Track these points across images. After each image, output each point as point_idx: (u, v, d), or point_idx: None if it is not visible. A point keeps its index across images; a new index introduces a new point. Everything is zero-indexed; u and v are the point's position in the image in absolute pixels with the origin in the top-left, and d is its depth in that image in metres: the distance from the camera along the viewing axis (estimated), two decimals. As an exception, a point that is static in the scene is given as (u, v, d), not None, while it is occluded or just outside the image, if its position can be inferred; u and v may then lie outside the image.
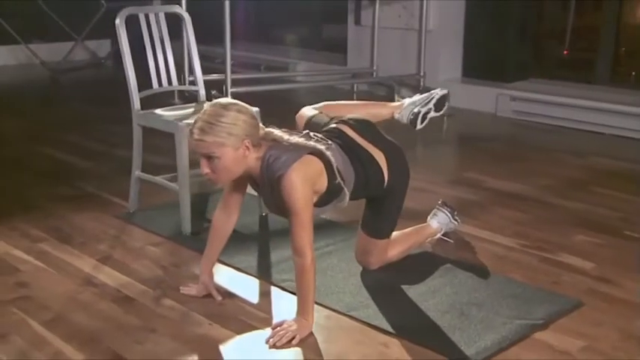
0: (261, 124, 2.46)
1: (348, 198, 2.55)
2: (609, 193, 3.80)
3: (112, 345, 2.36)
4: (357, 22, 6.43)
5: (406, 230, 3.02)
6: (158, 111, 3.43)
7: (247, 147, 2.36)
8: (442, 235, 3.14)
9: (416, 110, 2.93)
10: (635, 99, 5.09)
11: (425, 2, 5.76)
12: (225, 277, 2.82)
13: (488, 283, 2.79)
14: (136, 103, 3.38)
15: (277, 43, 7.67)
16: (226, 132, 2.30)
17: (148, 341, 2.38)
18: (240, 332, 2.44)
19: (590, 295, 2.68)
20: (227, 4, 5.08)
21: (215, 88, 5.48)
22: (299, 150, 2.42)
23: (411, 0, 5.99)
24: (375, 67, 6.20)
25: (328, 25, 7.56)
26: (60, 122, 5.53)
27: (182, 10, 3.57)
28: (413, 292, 2.72)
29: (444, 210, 3.15)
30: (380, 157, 2.67)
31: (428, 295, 2.68)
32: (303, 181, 2.36)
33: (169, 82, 3.53)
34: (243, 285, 2.79)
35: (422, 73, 5.87)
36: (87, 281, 2.83)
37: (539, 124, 5.30)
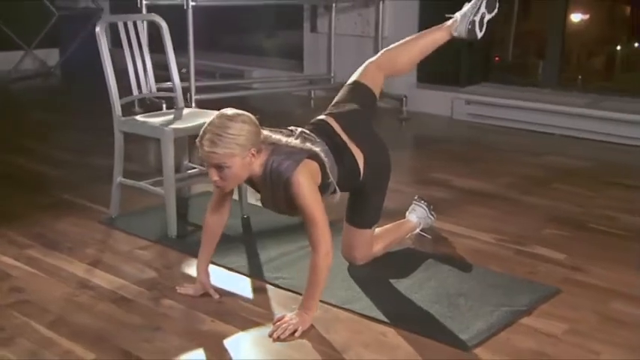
0: None
1: (339, 195, 2.69)
2: (569, 190, 4.02)
3: (121, 343, 2.43)
4: (313, 29, 6.57)
5: (387, 226, 3.16)
6: (139, 117, 3.50)
7: (253, 154, 2.46)
8: (420, 230, 3.28)
9: (471, 20, 2.98)
10: (582, 101, 5.36)
11: (381, 11, 5.94)
12: (219, 277, 2.89)
13: (470, 275, 2.95)
14: (118, 110, 3.43)
15: (230, 50, 7.73)
16: (235, 143, 2.40)
17: (154, 339, 2.46)
18: (243, 327, 2.53)
19: (565, 283, 2.86)
20: (190, 11, 5.14)
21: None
22: (299, 154, 2.53)
23: (366, 8, 6.17)
24: (332, 74, 6.35)
25: (281, 32, 7.67)
26: (19, 131, 5.52)
27: (160, 19, 3.63)
28: (400, 285, 2.86)
29: (420, 204, 3.30)
30: (359, 156, 2.80)
31: (415, 288, 2.82)
32: (309, 182, 2.50)
33: (149, 89, 3.59)
34: (238, 284, 2.88)
35: (379, 79, 6.03)
36: (82, 284, 2.88)
37: (494, 126, 5.51)
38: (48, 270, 3.00)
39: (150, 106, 5.73)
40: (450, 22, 3.07)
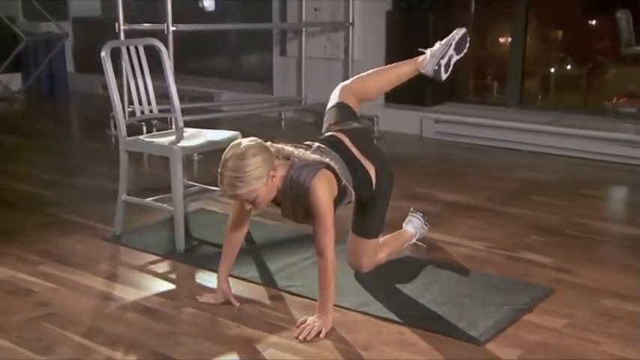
0: (268, 143, 2.74)
1: (354, 196, 2.89)
2: (544, 200, 4.29)
3: (157, 348, 2.57)
4: (283, 53, 6.77)
5: (387, 236, 3.36)
6: (143, 137, 3.63)
7: (273, 176, 2.65)
8: (417, 240, 3.49)
9: (437, 62, 3.16)
10: (545, 119, 5.69)
11: (350, 35, 6.19)
12: (235, 286, 3.03)
13: (469, 279, 3.17)
14: (123, 130, 3.56)
15: (197, 74, 7.87)
16: (253, 178, 2.57)
17: (187, 344, 2.60)
18: (268, 331, 2.69)
19: (557, 283, 3.10)
20: (170, 37, 5.28)
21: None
22: (315, 165, 2.73)
23: (335, 32, 6.41)
24: (303, 95, 6.55)
25: (249, 55, 7.86)
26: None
27: (159, 43, 3.79)
28: (407, 289, 3.05)
29: (416, 215, 3.52)
30: (370, 167, 3.00)
31: (421, 292, 3.02)
32: (324, 191, 2.69)
33: (150, 110, 3.73)
34: (254, 292, 3.04)
35: (350, 100, 6.27)
36: (104, 297, 3.00)
37: (462, 143, 5.79)
38: (67, 284, 3.11)
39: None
40: (420, 58, 3.24)
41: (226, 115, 6.75)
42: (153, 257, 3.42)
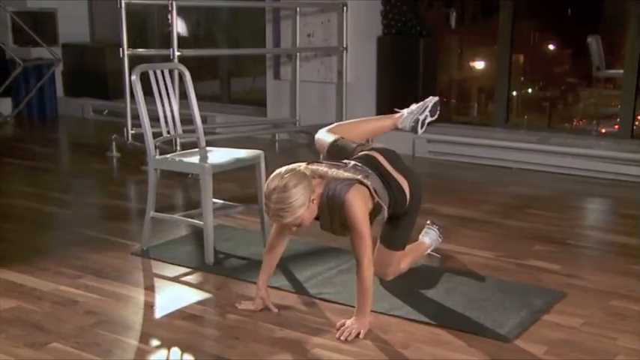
0: (303, 166, 2.94)
1: (386, 213, 3.11)
2: (541, 213, 4.56)
3: (211, 350, 2.76)
4: (276, 76, 7.01)
5: (408, 246, 3.58)
6: (172, 156, 3.82)
7: (314, 199, 2.87)
8: (432, 250, 3.73)
9: (415, 119, 3.50)
10: (532, 138, 6.00)
11: (345, 60, 6.45)
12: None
13: (486, 284, 3.40)
14: (152, 150, 3.74)
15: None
16: (297, 206, 2.79)
17: (238, 346, 2.79)
18: (310, 333, 2.89)
19: (568, 287, 3.35)
20: (176, 60, 5.49)
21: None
22: (350, 181, 2.95)
23: (328, 57, 6.66)
24: (298, 118, 6.79)
25: (242, 79, 8.10)
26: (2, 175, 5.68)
27: (184, 68, 3.99)
28: (431, 295, 3.28)
29: (433, 228, 3.76)
30: (404, 183, 3.22)
31: (444, 296, 3.25)
32: (359, 203, 2.91)
33: (175, 130, 3.92)
34: (288, 299, 3.23)
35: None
36: (147, 305, 3.18)
37: (454, 162, 6.06)
38: (109, 295, 3.27)
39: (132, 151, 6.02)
40: (397, 115, 3.58)
41: (220, 138, 6.94)
42: (183, 269, 3.60)
